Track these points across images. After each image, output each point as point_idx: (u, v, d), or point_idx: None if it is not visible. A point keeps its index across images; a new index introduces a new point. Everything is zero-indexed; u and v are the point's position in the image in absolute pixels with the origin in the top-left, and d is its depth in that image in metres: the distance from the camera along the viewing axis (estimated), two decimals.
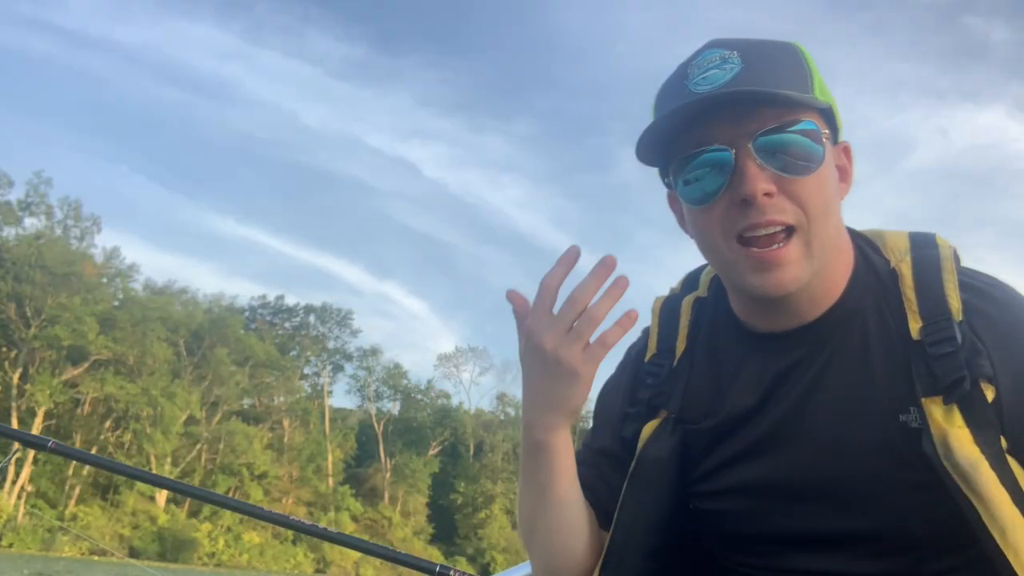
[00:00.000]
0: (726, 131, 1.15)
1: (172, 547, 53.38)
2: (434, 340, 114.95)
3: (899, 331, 1.19)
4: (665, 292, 1.49)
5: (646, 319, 1.43)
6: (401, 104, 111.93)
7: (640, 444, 1.32)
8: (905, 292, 1.20)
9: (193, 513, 58.50)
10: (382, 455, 74.70)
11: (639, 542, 1.30)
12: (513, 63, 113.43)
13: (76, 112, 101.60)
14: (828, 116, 1.20)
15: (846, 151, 1.26)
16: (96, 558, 49.16)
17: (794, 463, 1.21)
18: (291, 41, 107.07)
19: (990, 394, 1.11)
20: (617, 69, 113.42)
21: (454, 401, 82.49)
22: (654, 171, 1.28)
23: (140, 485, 55.62)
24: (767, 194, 1.13)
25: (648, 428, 1.32)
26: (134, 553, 51.35)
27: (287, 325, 78.79)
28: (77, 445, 52.82)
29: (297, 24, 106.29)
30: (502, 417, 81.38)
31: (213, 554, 56.31)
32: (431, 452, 76.59)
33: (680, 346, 1.36)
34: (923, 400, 1.13)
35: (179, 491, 1.93)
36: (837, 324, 1.22)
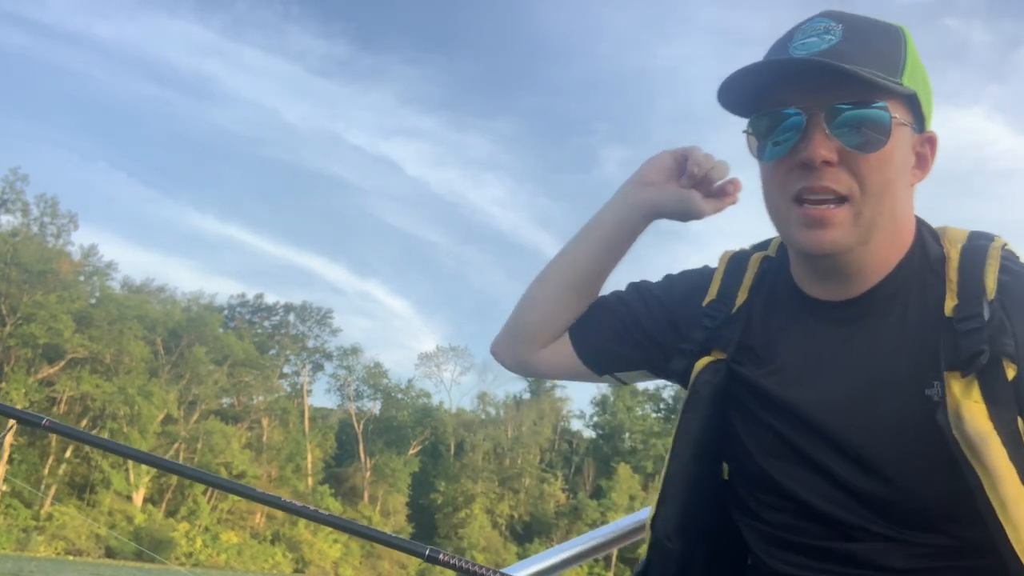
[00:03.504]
0: (805, 97, 1.21)
1: (149, 547, 52.91)
2: (415, 339, 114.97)
3: (935, 309, 1.24)
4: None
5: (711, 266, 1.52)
6: (383, 102, 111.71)
7: (693, 375, 1.39)
8: (949, 274, 1.26)
9: (170, 513, 58.11)
10: (362, 454, 74.57)
11: (688, 471, 1.39)
12: (496, 62, 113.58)
13: (54, 108, 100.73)
14: (912, 103, 1.26)
15: (931, 141, 1.31)
16: (71, 558, 48.71)
17: (821, 431, 1.28)
18: (272, 37, 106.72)
19: (1011, 372, 1.14)
20: (600, 69, 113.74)
21: (435, 400, 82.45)
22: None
23: (117, 484, 55.36)
24: (827, 162, 1.20)
25: (701, 363, 1.40)
26: (110, 553, 50.91)
27: (266, 324, 78.53)
28: (52, 443, 52.36)
29: (278, 20, 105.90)
30: (483, 416, 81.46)
31: (191, 554, 55.91)
32: (411, 451, 76.46)
33: (742, 296, 1.42)
34: (945, 374, 1.17)
35: (175, 471, 1.91)
36: (882, 299, 1.29)
